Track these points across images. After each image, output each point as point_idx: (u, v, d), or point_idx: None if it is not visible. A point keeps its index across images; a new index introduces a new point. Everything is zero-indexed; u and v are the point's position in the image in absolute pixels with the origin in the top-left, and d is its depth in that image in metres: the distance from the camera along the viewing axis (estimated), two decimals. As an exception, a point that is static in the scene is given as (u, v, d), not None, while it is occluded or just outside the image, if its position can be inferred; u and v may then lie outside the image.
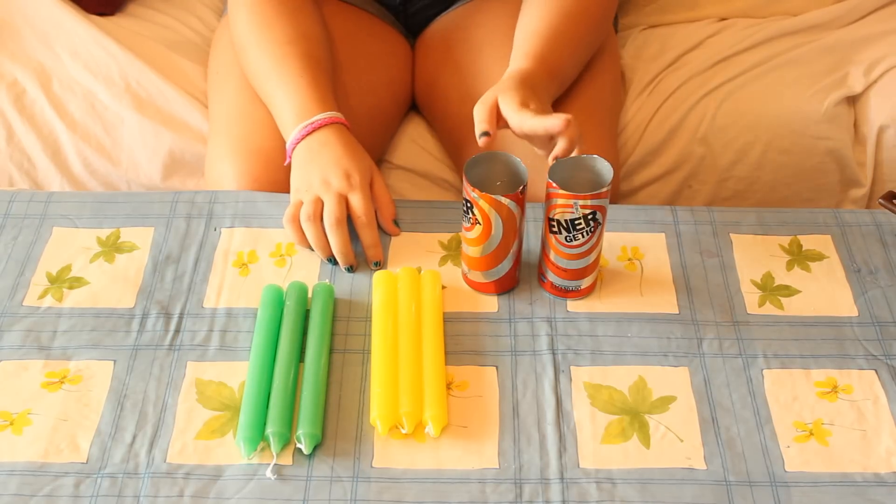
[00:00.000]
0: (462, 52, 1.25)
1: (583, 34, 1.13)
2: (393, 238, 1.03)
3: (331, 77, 1.12)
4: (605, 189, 0.90)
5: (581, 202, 0.90)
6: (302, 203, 1.01)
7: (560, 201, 0.90)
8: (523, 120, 0.94)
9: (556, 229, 0.92)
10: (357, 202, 1.00)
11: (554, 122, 0.92)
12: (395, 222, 1.04)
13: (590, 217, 0.91)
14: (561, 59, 1.09)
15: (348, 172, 1.02)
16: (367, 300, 0.97)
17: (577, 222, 0.91)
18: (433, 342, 0.91)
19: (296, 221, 1.01)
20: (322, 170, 1.02)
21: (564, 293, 0.96)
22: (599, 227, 0.92)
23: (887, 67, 1.35)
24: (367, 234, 1.00)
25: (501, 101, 0.96)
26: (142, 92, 1.33)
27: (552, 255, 0.95)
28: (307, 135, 1.04)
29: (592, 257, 0.94)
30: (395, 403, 0.86)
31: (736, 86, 1.35)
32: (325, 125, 1.04)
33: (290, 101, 1.07)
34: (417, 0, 1.31)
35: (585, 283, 0.96)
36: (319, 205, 1.00)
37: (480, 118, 0.96)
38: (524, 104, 0.95)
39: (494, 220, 0.91)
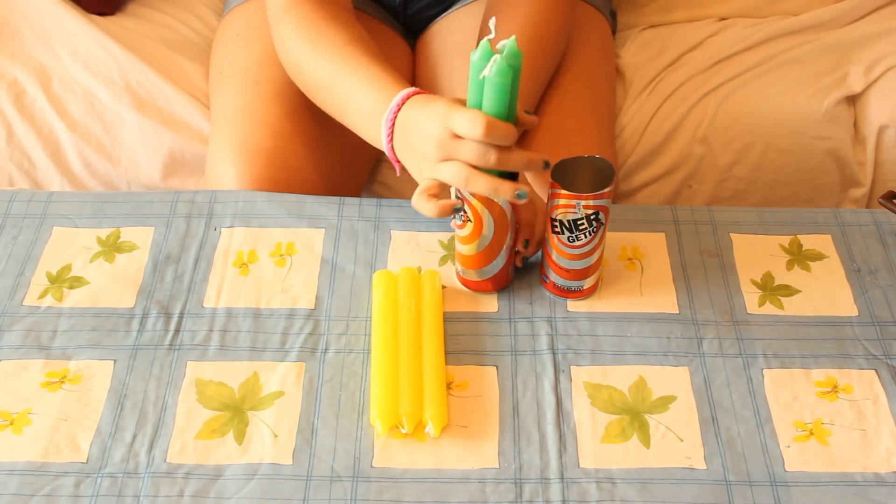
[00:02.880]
0: (462, 53, 1.25)
1: (539, 63, 1.12)
2: (393, 238, 1.03)
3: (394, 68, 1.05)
4: (607, 189, 0.90)
5: (584, 202, 0.90)
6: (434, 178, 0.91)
7: (562, 201, 0.90)
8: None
9: (558, 229, 0.92)
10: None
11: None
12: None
13: (592, 217, 0.91)
14: None
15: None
16: (367, 300, 0.97)
17: (579, 222, 0.91)
18: (433, 342, 0.91)
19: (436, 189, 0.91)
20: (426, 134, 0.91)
21: (567, 293, 0.96)
22: (602, 227, 0.92)
23: (887, 67, 1.35)
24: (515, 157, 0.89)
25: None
26: (142, 92, 1.33)
27: (554, 256, 0.95)
28: (398, 111, 0.95)
29: (595, 257, 0.94)
30: (395, 403, 0.86)
31: (736, 86, 1.35)
32: (410, 97, 0.95)
33: (368, 87, 0.99)
34: (417, 1, 1.31)
35: (588, 283, 0.96)
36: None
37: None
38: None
39: (485, 217, 0.91)
